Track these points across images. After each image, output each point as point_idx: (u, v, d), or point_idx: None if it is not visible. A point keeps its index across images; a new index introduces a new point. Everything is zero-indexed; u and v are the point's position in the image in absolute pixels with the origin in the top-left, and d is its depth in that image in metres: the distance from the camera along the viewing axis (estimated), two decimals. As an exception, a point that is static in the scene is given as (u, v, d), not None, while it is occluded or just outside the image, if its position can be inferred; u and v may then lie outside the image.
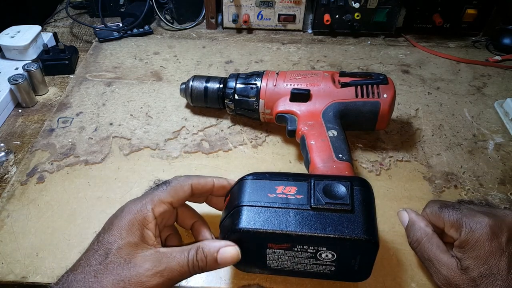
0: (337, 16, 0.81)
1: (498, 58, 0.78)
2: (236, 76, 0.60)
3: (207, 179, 0.42)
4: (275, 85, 0.58)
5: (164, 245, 0.44)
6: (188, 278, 0.44)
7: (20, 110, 0.67)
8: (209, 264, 0.37)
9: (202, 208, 0.46)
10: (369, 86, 0.55)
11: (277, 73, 0.59)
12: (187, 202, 0.44)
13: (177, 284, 0.44)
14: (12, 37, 0.72)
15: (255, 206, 0.37)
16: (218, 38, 0.84)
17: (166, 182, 0.41)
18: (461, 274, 0.37)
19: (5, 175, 0.56)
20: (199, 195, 0.43)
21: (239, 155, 0.59)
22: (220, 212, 0.43)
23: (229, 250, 0.37)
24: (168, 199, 0.39)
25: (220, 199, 0.45)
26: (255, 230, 0.36)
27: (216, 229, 0.42)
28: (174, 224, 0.45)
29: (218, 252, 0.37)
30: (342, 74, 0.57)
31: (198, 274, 0.45)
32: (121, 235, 0.36)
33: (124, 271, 0.34)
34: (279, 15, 0.84)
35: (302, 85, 0.57)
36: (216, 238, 0.42)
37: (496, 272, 0.36)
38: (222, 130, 0.63)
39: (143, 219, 0.37)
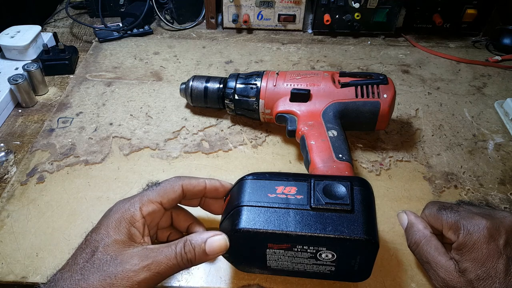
0: (337, 16, 0.81)
1: (498, 58, 0.78)
2: (236, 76, 0.60)
3: (199, 180, 0.42)
4: (275, 85, 0.58)
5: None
6: (188, 278, 0.44)
7: (20, 110, 0.67)
8: (198, 256, 0.36)
9: (201, 210, 0.46)
10: (369, 86, 0.55)
11: (277, 73, 0.59)
12: (182, 206, 0.44)
13: (177, 284, 0.44)
14: (12, 37, 0.72)
15: (255, 206, 0.37)
16: (218, 38, 0.84)
17: (156, 183, 0.41)
18: (458, 276, 0.37)
19: (5, 175, 0.56)
20: (191, 196, 0.42)
21: (239, 155, 0.59)
22: (218, 216, 0.43)
23: (217, 239, 0.37)
24: (157, 198, 0.39)
25: (214, 202, 0.44)
26: (255, 230, 0.36)
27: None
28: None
29: (206, 242, 0.36)
30: (342, 74, 0.57)
31: (198, 274, 0.45)
32: (108, 233, 0.36)
33: (111, 268, 0.34)
34: (279, 15, 0.83)
35: (302, 85, 0.57)
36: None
37: (494, 275, 0.36)
38: (222, 130, 0.63)
39: (130, 217, 0.37)
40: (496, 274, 0.36)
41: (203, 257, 0.37)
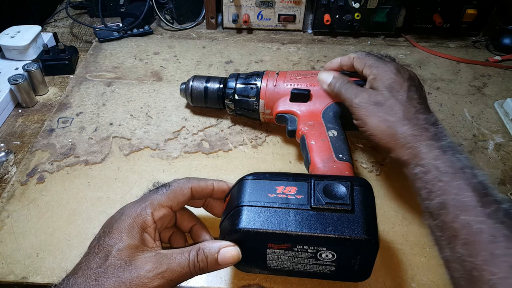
0: (337, 16, 0.81)
1: (498, 58, 0.78)
2: (236, 76, 0.60)
3: (207, 182, 0.42)
4: (275, 85, 0.58)
5: (168, 243, 0.44)
6: (188, 278, 0.44)
7: (20, 110, 0.67)
8: (210, 265, 0.37)
9: (201, 210, 0.46)
10: (369, 86, 0.55)
11: (277, 73, 0.59)
12: (186, 206, 0.45)
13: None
14: (12, 37, 0.72)
15: (255, 206, 0.37)
16: (218, 38, 0.84)
17: (165, 185, 0.41)
18: (368, 89, 0.49)
19: (5, 175, 0.56)
20: (198, 198, 0.43)
21: (239, 155, 0.59)
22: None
23: (230, 250, 0.37)
24: (167, 203, 0.39)
25: (217, 203, 0.45)
26: (255, 230, 0.36)
27: (216, 231, 0.42)
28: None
29: (219, 252, 0.37)
30: (342, 74, 0.57)
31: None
32: (121, 238, 0.36)
33: (125, 273, 0.34)
34: (279, 15, 0.83)
35: (302, 85, 0.57)
36: (216, 239, 0.42)
37: (399, 88, 0.46)
38: (222, 130, 0.63)
39: (142, 222, 0.37)
40: (402, 86, 0.46)
41: (215, 266, 0.37)
